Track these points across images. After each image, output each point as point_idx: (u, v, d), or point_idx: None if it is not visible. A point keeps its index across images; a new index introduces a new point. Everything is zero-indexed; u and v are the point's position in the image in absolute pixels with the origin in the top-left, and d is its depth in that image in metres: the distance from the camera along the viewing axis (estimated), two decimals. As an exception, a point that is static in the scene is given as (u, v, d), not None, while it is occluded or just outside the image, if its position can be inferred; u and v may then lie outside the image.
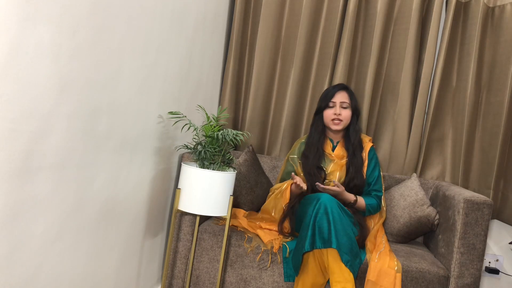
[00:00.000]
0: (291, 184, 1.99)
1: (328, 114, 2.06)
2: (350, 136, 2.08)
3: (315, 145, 2.08)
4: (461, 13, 2.45)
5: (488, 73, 2.42)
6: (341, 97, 2.06)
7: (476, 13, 2.37)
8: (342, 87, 2.10)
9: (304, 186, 1.90)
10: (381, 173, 2.15)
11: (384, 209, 2.08)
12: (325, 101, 2.07)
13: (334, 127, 2.06)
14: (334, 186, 1.94)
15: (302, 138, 2.20)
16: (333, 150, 2.10)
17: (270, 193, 2.14)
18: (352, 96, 2.09)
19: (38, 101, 1.02)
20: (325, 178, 2.04)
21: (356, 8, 2.42)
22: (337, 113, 2.03)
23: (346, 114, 2.05)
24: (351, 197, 2.00)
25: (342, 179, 2.04)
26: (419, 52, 2.44)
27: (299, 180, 1.92)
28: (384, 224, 2.15)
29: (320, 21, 2.51)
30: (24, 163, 1.01)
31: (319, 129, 2.10)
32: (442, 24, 2.47)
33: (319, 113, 2.11)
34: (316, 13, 2.49)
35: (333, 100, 2.06)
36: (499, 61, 2.37)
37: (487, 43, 2.41)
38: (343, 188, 1.96)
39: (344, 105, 2.05)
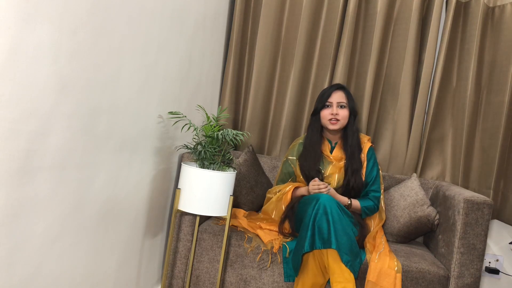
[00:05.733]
0: (311, 184, 1.95)
1: (325, 114, 2.04)
2: (348, 137, 2.06)
3: (313, 147, 2.06)
4: (461, 13, 2.45)
5: (488, 73, 2.42)
6: (338, 97, 2.04)
7: (476, 13, 2.37)
8: (339, 86, 2.08)
9: (324, 190, 1.89)
10: (381, 173, 2.13)
11: (384, 210, 2.07)
12: (321, 102, 2.05)
13: (331, 127, 2.03)
14: (326, 188, 1.92)
15: (300, 139, 2.18)
16: (331, 151, 2.09)
17: (268, 195, 2.14)
18: (349, 96, 2.07)
19: (38, 101, 1.02)
20: (322, 181, 2.03)
21: (356, 8, 2.42)
22: (334, 113, 2.01)
23: (344, 113, 2.03)
24: (345, 200, 2.00)
25: (341, 181, 2.03)
26: (419, 52, 2.44)
27: (322, 183, 1.91)
28: (384, 224, 2.15)
29: (320, 21, 2.50)
30: (24, 163, 1.01)
31: (316, 130, 2.08)
32: (442, 24, 2.47)
33: (316, 114, 2.08)
34: (316, 13, 2.49)
35: (330, 100, 2.04)
36: (499, 61, 2.37)
37: (487, 43, 2.41)
38: (334, 191, 1.97)
39: (341, 105, 2.03)
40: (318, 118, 2.08)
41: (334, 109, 2.02)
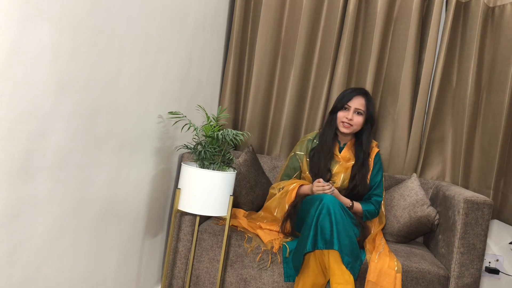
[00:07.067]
0: (314, 184, 1.95)
1: (341, 116, 2.04)
2: (363, 144, 2.06)
3: (328, 145, 2.06)
4: (461, 13, 2.44)
5: (488, 73, 2.42)
6: (357, 103, 2.03)
7: (476, 13, 2.37)
8: (362, 92, 2.06)
9: (328, 191, 1.88)
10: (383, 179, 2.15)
11: (384, 215, 2.08)
12: (341, 103, 2.05)
13: (342, 129, 2.04)
14: (330, 188, 1.91)
15: (309, 135, 2.18)
16: (340, 151, 2.10)
17: (271, 191, 2.13)
18: (369, 103, 2.05)
19: (38, 101, 1.02)
20: (329, 180, 2.03)
21: (356, 8, 2.42)
22: (349, 118, 2.01)
23: (358, 120, 2.03)
24: (347, 201, 2.00)
25: (346, 182, 2.04)
26: (419, 52, 2.44)
27: (326, 184, 1.91)
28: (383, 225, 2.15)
29: (320, 21, 2.50)
30: (24, 163, 1.01)
31: (332, 128, 2.08)
32: (442, 24, 2.47)
33: (333, 112, 2.08)
34: (316, 13, 2.49)
35: (349, 103, 2.03)
36: (499, 61, 2.37)
37: (487, 43, 2.41)
38: (337, 192, 1.97)
39: (359, 111, 2.03)
40: (335, 118, 2.08)
41: (350, 114, 2.02)
